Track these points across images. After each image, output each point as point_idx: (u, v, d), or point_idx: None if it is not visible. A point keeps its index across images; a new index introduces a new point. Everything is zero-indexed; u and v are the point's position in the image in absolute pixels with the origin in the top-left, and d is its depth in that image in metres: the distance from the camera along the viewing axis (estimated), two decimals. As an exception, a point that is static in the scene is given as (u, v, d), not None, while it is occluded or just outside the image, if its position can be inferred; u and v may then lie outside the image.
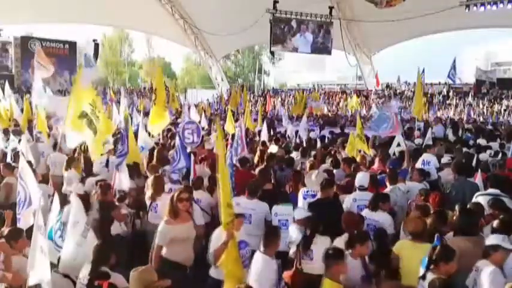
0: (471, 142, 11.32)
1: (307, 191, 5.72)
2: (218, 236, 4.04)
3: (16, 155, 7.56)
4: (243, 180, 6.03)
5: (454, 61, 18.91)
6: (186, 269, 4.37)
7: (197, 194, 5.78)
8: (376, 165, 7.28)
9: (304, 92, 31.00)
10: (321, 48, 23.59)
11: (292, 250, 4.34)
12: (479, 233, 4.15)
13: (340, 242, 4.27)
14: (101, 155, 8.06)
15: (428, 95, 31.50)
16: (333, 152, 8.68)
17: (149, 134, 9.34)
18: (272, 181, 6.49)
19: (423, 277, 3.37)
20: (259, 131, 12.69)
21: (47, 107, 10.62)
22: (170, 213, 4.40)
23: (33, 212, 4.53)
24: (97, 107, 6.95)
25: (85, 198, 5.54)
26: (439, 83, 34.62)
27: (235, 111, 17.63)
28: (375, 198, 5.01)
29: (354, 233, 4.02)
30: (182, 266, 4.33)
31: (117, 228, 5.12)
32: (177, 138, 7.24)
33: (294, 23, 22.70)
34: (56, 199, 4.22)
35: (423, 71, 16.17)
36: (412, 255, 3.82)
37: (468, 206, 4.65)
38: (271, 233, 3.94)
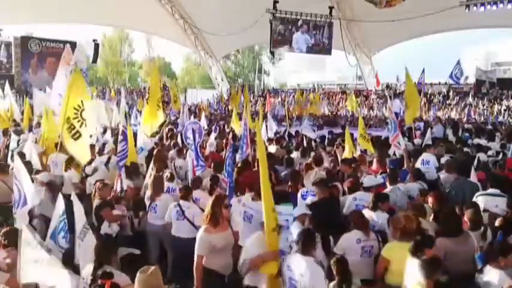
0: (470, 142, 11.33)
1: (307, 191, 5.75)
2: (254, 243, 3.84)
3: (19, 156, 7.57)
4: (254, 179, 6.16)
5: (459, 62, 18.49)
6: (224, 277, 4.22)
7: (196, 194, 5.79)
8: (374, 166, 7.28)
9: (304, 92, 31.00)
10: (321, 48, 23.60)
11: (294, 249, 4.33)
12: (464, 231, 4.17)
13: (347, 238, 4.30)
14: (100, 155, 8.09)
15: (428, 95, 31.51)
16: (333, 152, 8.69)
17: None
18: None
19: (480, 271, 3.57)
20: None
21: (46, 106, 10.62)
22: (210, 220, 4.12)
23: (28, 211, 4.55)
24: (84, 109, 6.94)
25: (51, 188, 5.58)
26: (439, 83, 34.63)
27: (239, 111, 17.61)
28: (375, 198, 5.01)
29: (419, 238, 3.78)
30: (221, 274, 4.17)
31: (105, 228, 5.10)
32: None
33: (294, 23, 22.71)
34: (60, 199, 4.22)
35: (423, 71, 16.10)
36: (401, 257, 3.73)
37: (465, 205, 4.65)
38: (307, 237, 3.73)
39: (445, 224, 4.23)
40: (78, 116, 7.21)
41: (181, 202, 5.37)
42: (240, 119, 12.75)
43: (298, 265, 3.56)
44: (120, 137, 6.28)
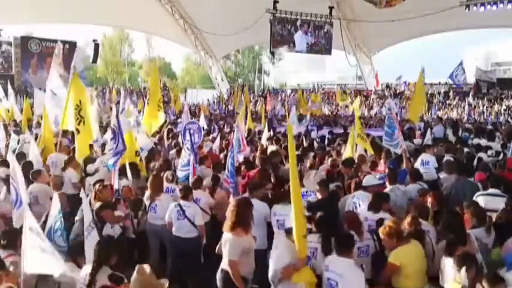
0: (470, 142, 11.33)
1: (306, 191, 5.76)
2: (284, 252, 3.73)
3: (17, 155, 7.57)
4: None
5: (461, 63, 18.23)
6: (248, 282, 4.10)
7: (196, 194, 5.80)
8: (382, 167, 7.25)
9: (304, 92, 30.99)
10: (321, 48, 23.60)
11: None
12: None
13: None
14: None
15: (428, 95, 31.48)
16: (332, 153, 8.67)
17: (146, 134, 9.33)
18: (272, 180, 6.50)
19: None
20: (260, 131, 12.70)
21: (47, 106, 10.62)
22: (238, 224, 3.98)
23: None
24: (83, 108, 7.11)
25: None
26: (439, 83, 34.62)
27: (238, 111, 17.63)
28: (375, 198, 5.01)
29: (452, 237, 3.79)
30: (245, 279, 4.03)
31: (107, 229, 5.09)
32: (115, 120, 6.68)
33: (294, 23, 22.71)
34: (56, 199, 4.22)
35: (423, 71, 16.05)
36: (411, 260, 3.80)
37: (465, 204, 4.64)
38: (345, 239, 3.71)
39: (448, 227, 4.16)
40: (76, 114, 7.46)
41: (182, 202, 5.38)
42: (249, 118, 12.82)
43: (337, 266, 3.55)
44: (110, 135, 6.26)
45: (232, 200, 4.34)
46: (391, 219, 4.19)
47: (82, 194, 4.26)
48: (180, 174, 6.74)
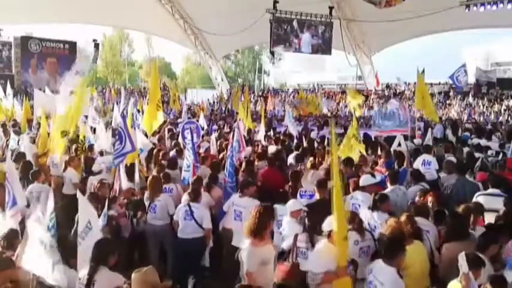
0: (470, 142, 11.34)
1: (305, 191, 5.78)
2: (322, 255, 3.70)
3: (17, 155, 7.58)
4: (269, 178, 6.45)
5: (464, 65, 18.04)
6: None
7: None
8: (383, 168, 7.26)
9: (304, 93, 30.97)
10: (321, 48, 23.62)
11: (285, 244, 4.33)
12: (470, 234, 4.15)
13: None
14: (101, 156, 8.11)
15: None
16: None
17: (146, 134, 9.33)
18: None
19: None
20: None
21: (46, 106, 10.65)
22: (257, 234, 3.80)
23: (19, 211, 4.56)
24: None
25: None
26: (439, 83, 34.61)
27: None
28: (375, 198, 5.01)
29: (485, 233, 3.77)
30: None
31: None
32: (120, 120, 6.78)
33: (294, 23, 22.72)
34: (51, 197, 4.24)
35: (423, 71, 16.05)
36: (415, 260, 3.78)
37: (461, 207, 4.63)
38: (394, 246, 3.58)
39: (452, 227, 4.18)
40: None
41: (191, 203, 5.37)
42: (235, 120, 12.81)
43: (380, 272, 3.49)
44: (115, 137, 6.28)
45: (255, 206, 4.18)
46: (393, 219, 4.19)
47: (79, 195, 4.25)
48: (186, 175, 6.73)
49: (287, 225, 4.42)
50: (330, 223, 3.71)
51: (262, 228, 3.80)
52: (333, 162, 3.63)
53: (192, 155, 6.72)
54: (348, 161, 7.24)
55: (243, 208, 5.21)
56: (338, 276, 3.49)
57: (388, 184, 5.84)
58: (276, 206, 5.08)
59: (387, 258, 3.50)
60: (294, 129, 12.65)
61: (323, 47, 23.57)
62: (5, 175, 5.02)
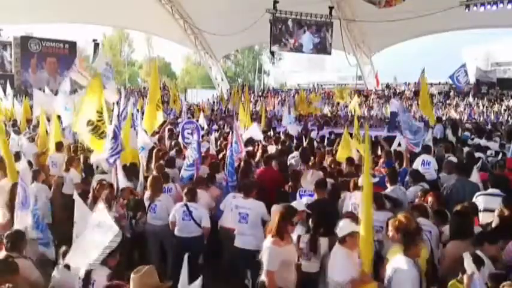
0: (470, 142, 11.34)
1: (305, 191, 5.78)
2: (348, 263, 3.63)
3: (15, 155, 7.57)
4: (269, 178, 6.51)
5: (464, 65, 17.96)
6: None
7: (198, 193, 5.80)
8: (382, 168, 7.25)
9: (304, 93, 30.95)
10: (321, 48, 23.62)
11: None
12: (474, 234, 4.12)
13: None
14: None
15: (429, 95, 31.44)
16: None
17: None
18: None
19: None
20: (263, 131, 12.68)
21: (45, 106, 10.64)
22: (278, 233, 3.80)
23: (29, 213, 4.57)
24: (102, 115, 6.71)
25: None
26: (439, 83, 34.62)
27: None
28: (376, 198, 4.99)
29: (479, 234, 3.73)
30: None
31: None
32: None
33: (294, 23, 22.72)
34: (32, 194, 4.32)
35: (423, 71, 16.06)
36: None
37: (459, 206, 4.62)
38: (410, 238, 3.52)
39: (456, 226, 4.16)
40: (102, 119, 6.66)
41: (189, 203, 5.37)
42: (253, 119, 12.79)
43: (396, 261, 3.45)
44: (110, 135, 6.25)
45: (278, 206, 4.14)
46: (403, 215, 4.15)
47: (75, 196, 4.25)
48: (185, 174, 6.72)
49: None
50: (345, 228, 3.65)
51: (284, 228, 3.79)
52: (366, 166, 3.60)
53: (197, 153, 6.72)
54: (349, 161, 7.26)
55: (248, 210, 5.15)
56: (364, 282, 3.47)
57: (388, 184, 5.84)
58: (275, 206, 5.12)
59: (405, 250, 3.43)
60: (293, 129, 12.64)
61: (323, 47, 23.56)
62: (18, 174, 5.08)
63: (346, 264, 3.57)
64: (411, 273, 3.29)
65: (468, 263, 3.10)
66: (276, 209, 3.98)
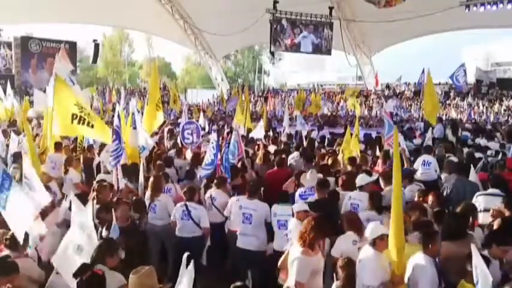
0: (469, 142, 11.34)
1: (304, 191, 5.77)
2: (379, 267, 3.57)
3: (16, 155, 7.57)
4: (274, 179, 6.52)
5: (463, 65, 17.96)
6: None
7: (214, 193, 5.94)
8: (380, 168, 7.26)
9: (304, 93, 30.95)
10: (321, 48, 23.62)
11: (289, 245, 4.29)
12: (468, 234, 4.10)
13: (343, 240, 4.30)
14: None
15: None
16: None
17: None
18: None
19: None
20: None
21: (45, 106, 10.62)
22: (310, 245, 3.67)
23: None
24: (82, 106, 6.75)
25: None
26: (439, 83, 34.62)
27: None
28: (374, 198, 5.00)
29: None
30: None
31: (105, 231, 5.06)
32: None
33: (294, 23, 22.72)
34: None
35: (423, 71, 16.07)
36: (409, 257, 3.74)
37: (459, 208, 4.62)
38: (430, 235, 3.56)
39: (448, 226, 4.14)
40: (83, 110, 6.73)
41: (188, 203, 5.37)
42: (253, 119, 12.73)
43: (415, 259, 3.48)
44: (113, 136, 6.26)
45: (312, 215, 4.04)
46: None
47: (72, 197, 4.24)
48: (203, 173, 6.78)
49: (294, 227, 4.40)
50: (374, 230, 3.63)
51: (315, 239, 3.71)
52: (396, 169, 3.63)
53: (217, 153, 6.74)
54: (350, 161, 7.26)
55: (252, 210, 5.14)
56: (396, 285, 3.47)
57: (382, 184, 5.85)
58: (276, 206, 5.13)
59: (424, 248, 3.48)
60: (305, 130, 12.37)
61: (323, 47, 23.57)
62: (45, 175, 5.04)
63: (377, 268, 3.53)
64: (430, 271, 3.35)
65: (477, 261, 3.10)
66: (308, 219, 3.87)
